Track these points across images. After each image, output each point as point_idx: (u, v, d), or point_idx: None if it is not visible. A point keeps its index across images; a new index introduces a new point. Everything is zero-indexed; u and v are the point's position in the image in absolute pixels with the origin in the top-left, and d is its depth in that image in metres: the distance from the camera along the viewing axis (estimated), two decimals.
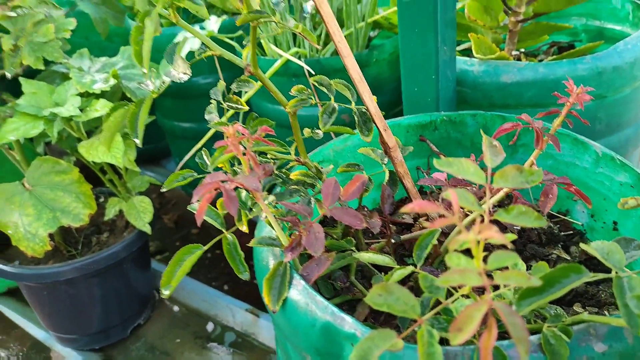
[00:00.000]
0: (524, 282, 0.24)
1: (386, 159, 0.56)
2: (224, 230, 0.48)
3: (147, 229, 0.95)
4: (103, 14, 1.13)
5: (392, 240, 0.53)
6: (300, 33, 0.45)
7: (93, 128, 0.93)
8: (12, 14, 0.83)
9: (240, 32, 1.02)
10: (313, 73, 0.82)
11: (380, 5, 0.95)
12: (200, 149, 0.89)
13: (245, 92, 0.87)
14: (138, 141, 0.51)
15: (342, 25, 0.88)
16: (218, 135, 0.87)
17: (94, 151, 0.83)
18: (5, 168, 1.07)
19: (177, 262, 0.45)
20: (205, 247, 0.46)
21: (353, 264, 0.49)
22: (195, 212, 0.51)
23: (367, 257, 0.40)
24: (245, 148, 0.43)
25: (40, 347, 1.06)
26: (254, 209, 0.48)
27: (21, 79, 0.86)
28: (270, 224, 0.46)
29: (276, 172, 0.51)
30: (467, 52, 0.83)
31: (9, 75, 0.92)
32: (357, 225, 0.43)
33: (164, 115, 1.21)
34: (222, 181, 0.40)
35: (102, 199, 1.07)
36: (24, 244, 0.81)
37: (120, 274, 0.98)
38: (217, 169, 0.53)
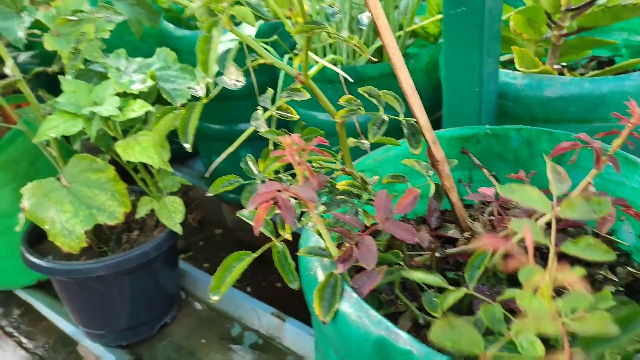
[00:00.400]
0: (603, 329, 0.24)
1: (431, 171, 0.56)
2: (273, 238, 0.48)
3: (178, 229, 0.95)
4: (138, 15, 1.14)
5: (437, 254, 0.53)
6: (355, 45, 0.45)
7: (128, 127, 0.94)
8: (74, 18, 0.84)
9: (275, 37, 1.02)
10: (350, 80, 0.82)
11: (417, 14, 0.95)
12: (232, 152, 0.90)
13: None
14: (188, 146, 0.51)
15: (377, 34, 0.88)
16: (249, 139, 0.88)
17: (130, 151, 0.84)
18: (40, 163, 1.09)
19: (227, 268, 0.46)
20: (255, 255, 0.47)
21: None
22: (244, 218, 0.51)
23: (419, 276, 0.40)
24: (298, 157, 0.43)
25: (67, 340, 1.07)
26: (303, 219, 0.48)
27: (61, 77, 0.87)
28: (319, 234, 0.47)
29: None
30: (506, 64, 0.83)
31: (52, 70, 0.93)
32: (410, 239, 0.43)
33: None
34: (277, 190, 0.40)
35: (133, 197, 1.08)
36: (60, 239, 0.83)
37: (150, 273, 0.99)
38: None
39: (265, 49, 0.99)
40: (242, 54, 0.95)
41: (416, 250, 0.59)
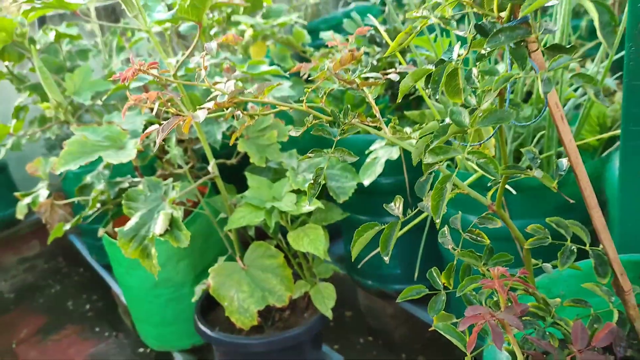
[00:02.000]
0: None
1: (613, 298, 0.57)
2: (467, 353, 0.53)
3: (330, 314, 1.03)
4: (303, 116, 1.30)
5: None
6: (554, 188, 0.50)
7: (295, 218, 1.07)
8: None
9: None
10: (513, 192, 0.87)
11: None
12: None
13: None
14: (387, 258, 0.59)
15: (541, 152, 0.92)
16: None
17: (300, 241, 0.95)
18: (210, 241, 1.26)
19: None
20: None
21: None
22: (439, 330, 0.57)
23: None
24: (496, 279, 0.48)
25: None
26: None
27: (247, 174, 1.03)
28: (513, 354, 0.51)
29: None
30: None
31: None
32: None
33: (345, 206, 1.33)
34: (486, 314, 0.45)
35: None
36: (235, 316, 0.94)
37: (300, 352, 1.07)
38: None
39: None
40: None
41: None
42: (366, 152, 1.08)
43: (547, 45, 0.44)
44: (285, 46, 1.61)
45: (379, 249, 1.00)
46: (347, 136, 0.59)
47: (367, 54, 1.27)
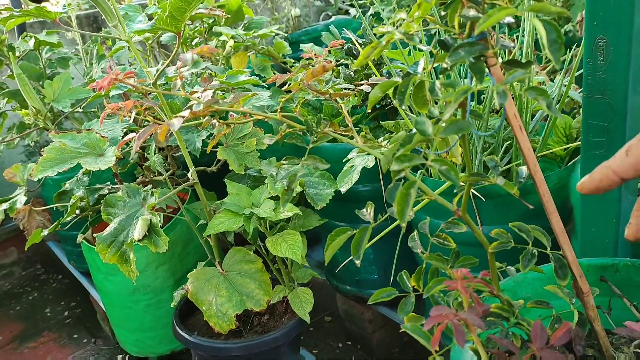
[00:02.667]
0: None
1: (574, 299, 0.61)
2: (433, 352, 0.55)
3: (307, 318, 1.05)
4: (280, 125, 1.32)
5: None
6: (514, 194, 0.53)
7: (273, 224, 1.08)
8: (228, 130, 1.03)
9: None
10: (482, 199, 0.90)
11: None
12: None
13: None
14: (358, 262, 0.61)
15: (511, 161, 0.95)
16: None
17: (278, 247, 0.97)
18: (189, 247, 1.26)
19: None
20: None
21: None
22: (408, 331, 0.59)
23: None
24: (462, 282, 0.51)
25: None
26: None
27: (226, 181, 1.04)
28: (477, 353, 0.53)
29: None
30: None
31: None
32: None
33: (323, 213, 1.35)
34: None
35: None
36: (214, 320, 0.95)
37: (278, 356, 1.08)
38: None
39: None
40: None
41: None
42: (344, 160, 1.10)
43: (504, 60, 0.47)
44: (267, 57, 1.64)
45: (351, 259, 1.02)
46: (319, 144, 0.61)
47: (346, 66, 1.30)
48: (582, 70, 0.67)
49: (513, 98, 0.99)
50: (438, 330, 0.47)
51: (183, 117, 0.54)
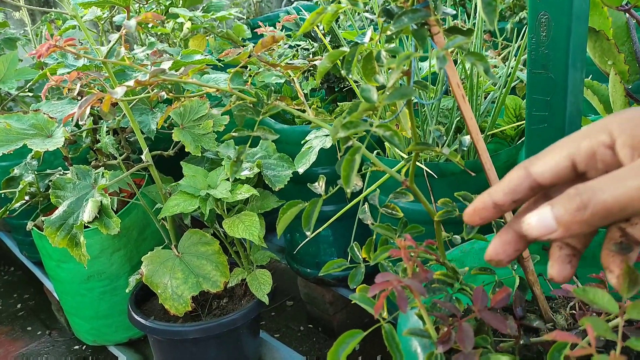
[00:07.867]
0: None
1: (515, 266, 0.63)
2: (381, 320, 0.56)
3: (266, 299, 1.05)
4: (242, 109, 1.31)
5: (521, 342, 0.59)
6: (458, 162, 0.55)
7: (231, 206, 1.08)
8: (181, 109, 1.01)
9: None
10: (434, 175, 0.92)
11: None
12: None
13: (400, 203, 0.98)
14: (309, 233, 0.61)
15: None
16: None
17: (235, 228, 0.96)
18: (147, 232, 1.24)
19: (341, 344, 0.54)
20: (365, 333, 0.55)
21: None
22: (355, 301, 0.60)
23: None
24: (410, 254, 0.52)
25: None
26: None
27: (182, 163, 1.03)
28: (421, 317, 0.54)
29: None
30: None
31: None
32: (503, 329, 0.50)
33: (282, 196, 1.35)
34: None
35: None
36: (169, 303, 0.94)
37: (237, 339, 1.08)
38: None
39: None
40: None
41: (497, 336, 0.65)
42: (302, 142, 1.11)
43: (446, 28, 0.48)
44: (226, 40, 1.62)
45: (315, 233, 1.03)
46: (266, 117, 0.61)
47: (306, 49, 1.30)
48: None
49: (465, 79, 1.02)
50: (382, 297, 0.48)
51: (128, 86, 0.53)
